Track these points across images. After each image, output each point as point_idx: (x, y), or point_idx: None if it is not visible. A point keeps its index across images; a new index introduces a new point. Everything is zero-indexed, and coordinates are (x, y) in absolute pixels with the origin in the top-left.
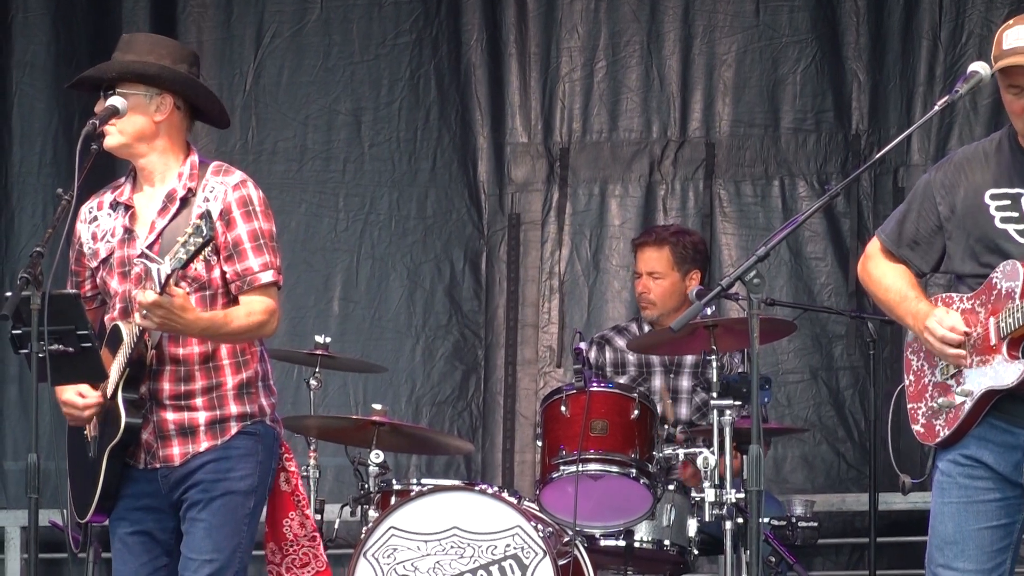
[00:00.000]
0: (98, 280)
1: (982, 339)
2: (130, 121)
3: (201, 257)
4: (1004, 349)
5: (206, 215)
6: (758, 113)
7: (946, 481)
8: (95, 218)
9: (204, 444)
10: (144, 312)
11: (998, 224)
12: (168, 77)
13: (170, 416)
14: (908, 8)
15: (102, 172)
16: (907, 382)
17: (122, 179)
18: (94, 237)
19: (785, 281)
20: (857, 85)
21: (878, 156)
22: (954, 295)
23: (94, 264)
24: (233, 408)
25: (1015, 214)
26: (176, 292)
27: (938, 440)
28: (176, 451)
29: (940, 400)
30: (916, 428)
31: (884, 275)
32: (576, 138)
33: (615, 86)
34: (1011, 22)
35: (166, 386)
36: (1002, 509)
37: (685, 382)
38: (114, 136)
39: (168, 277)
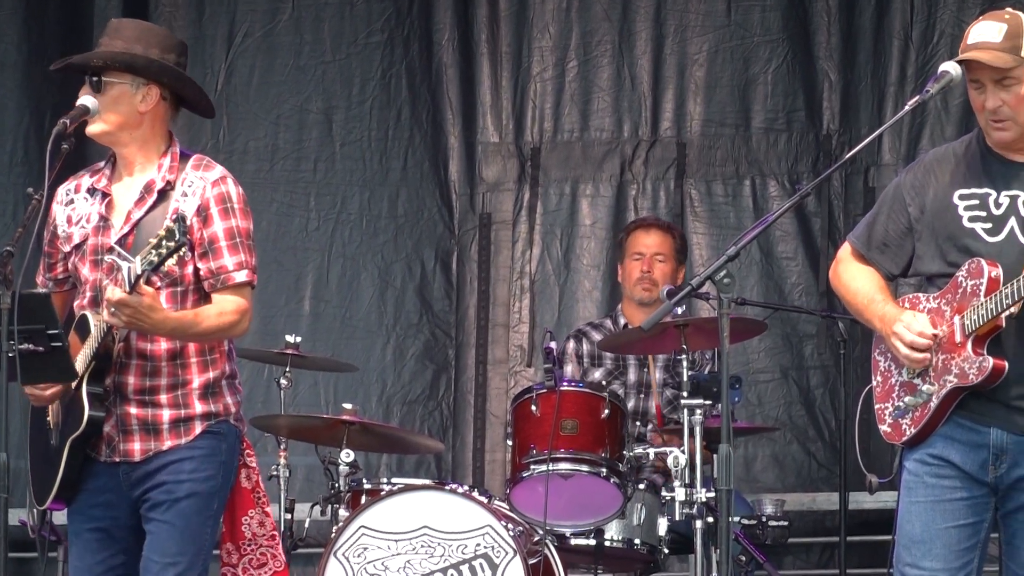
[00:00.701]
0: (70, 265)
1: (948, 337)
2: (115, 110)
3: (159, 271)
4: (969, 346)
5: (180, 219)
6: (729, 113)
7: (913, 480)
8: (71, 201)
9: (168, 443)
10: (112, 310)
11: (966, 223)
12: (155, 69)
13: (133, 411)
14: (880, 8)
15: (74, 169)
16: (875, 382)
17: (101, 163)
18: (68, 220)
19: (756, 281)
20: (828, 85)
21: (849, 156)
22: (921, 295)
23: (67, 248)
24: (198, 407)
25: (983, 213)
26: (146, 291)
27: (905, 439)
28: (137, 447)
29: (907, 399)
30: (883, 428)
31: (853, 278)
32: (547, 138)
33: (586, 86)
34: (980, 17)
35: (131, 380)
36: (969, 508)
37: (658, 375)
38: (97, 124)
39: (139, 278)
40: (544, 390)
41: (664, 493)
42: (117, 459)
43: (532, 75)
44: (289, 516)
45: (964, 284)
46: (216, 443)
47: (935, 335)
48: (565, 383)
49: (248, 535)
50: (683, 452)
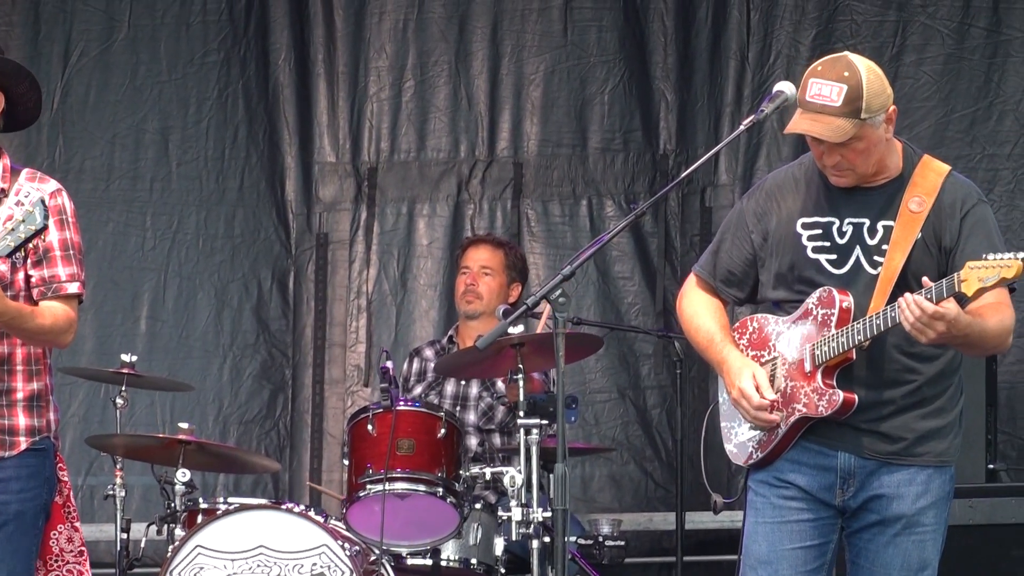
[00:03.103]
0: None
1: (797, 365)
2: None
3: (9, 259)
4: (819, 377)
5: (39, 202)
6: (566, 133)
7: (759, 501)
8: None
9: None
10: None
11: (810, 254)
12: (20, 74)
13: None
14: (716, 28)
15: None
16: (721, 399)
17: None
18: None
19: (593, 300)
20: (665, 105)
21: (684, 175)
22: (770, 317)
23: None
24: (22, 420)
25: (827, 243)
26: None
27: (751, 462)
28: None
29: (751, 424)
30: (729, 448)
31: (695, 314)
32: (384, 157)
33: (423, 105)
34: (819, 67)
35: None
36: (816, 529)
37: (473, 389)
38: None
39: None
40: (380, 410)
41: (501, 513)
42: None
43: (369, 95)
44: (125, 536)
45: (815, 312)
46: (40, 460)
47: (772, 401)
48: (401, 402)
49: (56, 550)
50: (519, 471)
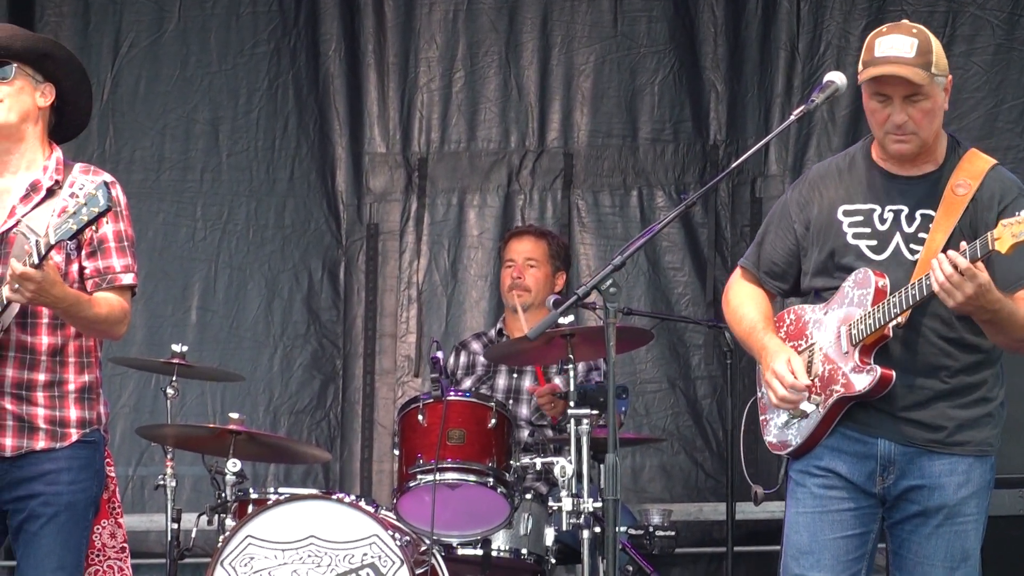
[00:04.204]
0: None
1: (834, 347)
2: (19, 99)
3: (64, 249)
4: (856, 356)
5: (103, 185)
6: (616, 123)
7: (800, 491)
8: None
9: (41, 444)
10: (16, 286)
11: (850, 240)
12: (69, 64)
13: (9, 405)
14: (766, 19)
15: None
16: (759, 394)
17: None
18: None
19: (643, 291)
20: (715, 95)
21: (735, 165)
22: (807, 307)
23: None
24: (73, 412)
25: (867, 230)
26: (51, 266)
27: (790, 450)
28: (9, 442)
29: (791, 411)
30: (768, 439)
31: (740, 304)
32: (434, 148)
33: (473, 96)
34: (884, 29)
35: (9, 373)
36: (856, 519)
37: (526, 382)
38: (4, 113)
39: (50, 248)
40: (431, 400)
41: (551, 503)
42: None
43: (419, 85)
44: (176, 526)
45: (851, 294)
46: (91, 453)
47: (808, 385)
48: (452, 393)
49: (98, 545)
50: (570, 462)
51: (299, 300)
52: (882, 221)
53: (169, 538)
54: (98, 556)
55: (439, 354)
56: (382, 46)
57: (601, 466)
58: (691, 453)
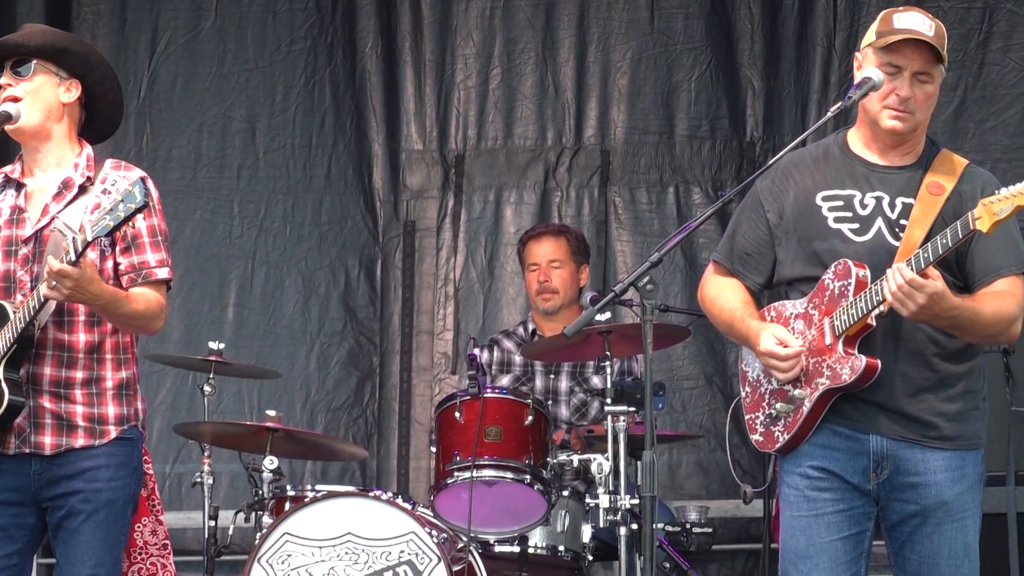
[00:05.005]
0: None
1: (817, 340)
2: (41, 97)
3: (98, 246)
4: (840, 347)
5: (139, 181)
6: (653, 120)
7: (793, 495)
8: None
9: (80, 441)
10: (53, 283)
11: (831, 224)
12: (90, 59)
13: (47, 404)
14: (803, 15)
15: None
16: (743, 393)
17: (8, 166)
18: None
19: (680, 288)
20: (752, 92)
21: (772, 162)
22: (787, 303)
23: None
24: (111, 408)
25: (848, 214)
26: (88, 263)
27: (778, 447)
28: (48, 440)
29: (778, 406)
30: (755, 437)
31: (718, 295)
32: (471, 145)
33: (510, 93)
34: (899, 8)
35: (47, 371)
36: (850, 519)
37: (563, 383)
38: (23, 118)
39: (87, 245)
40: (468, 397)
41: (588, 500)
42: (27, 450)
43: (456, 83)
44: (213, 523)
45: (831, 286)
46: (129, 450)
47: (799, 350)
48: (489, 390)
49: (140, 543)
50: (607, 459)
51: (336, 297)
52: (863, 206)
53: (206, 535)
54: (140, 553)
55: (476, 351)
56: (419, 43)
57: (638, 463)
58: (728, 449)
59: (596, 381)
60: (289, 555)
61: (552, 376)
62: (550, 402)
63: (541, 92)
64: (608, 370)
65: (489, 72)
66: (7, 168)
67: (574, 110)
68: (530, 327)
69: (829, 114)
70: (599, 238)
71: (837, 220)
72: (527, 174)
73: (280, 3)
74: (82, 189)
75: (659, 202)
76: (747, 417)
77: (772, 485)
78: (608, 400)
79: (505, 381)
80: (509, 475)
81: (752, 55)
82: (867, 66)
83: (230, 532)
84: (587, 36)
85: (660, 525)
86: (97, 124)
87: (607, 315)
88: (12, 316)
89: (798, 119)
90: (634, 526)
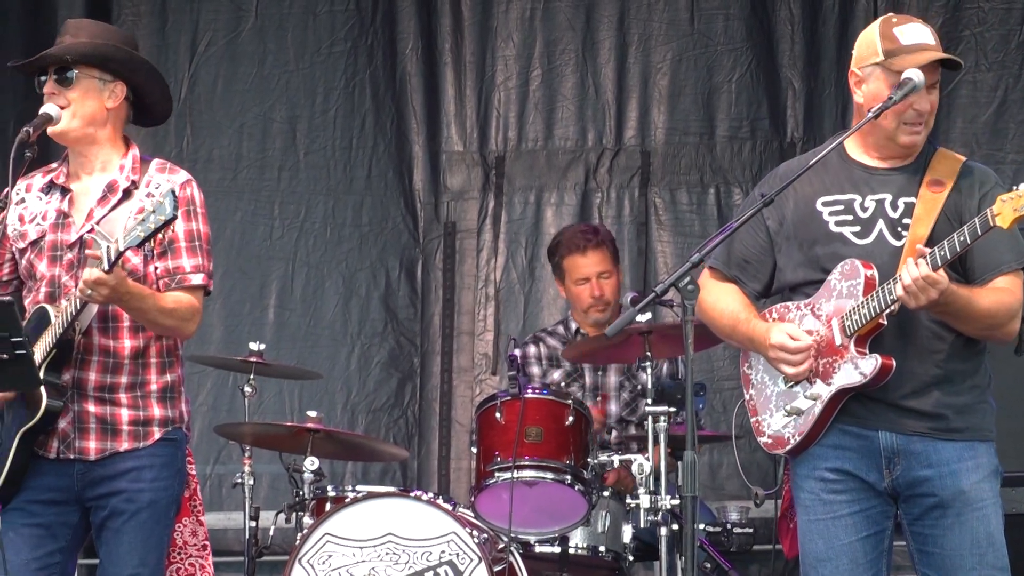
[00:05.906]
0: (24, 262)
1: (827, 341)
2: (82, 105)
3: (141, 251)
4: (852, 347)
5: (170, 193)
6: (693, 121)
7: (809, 499)
8: (23, 200)
9: (125, 445)
10: (88, 291)
11: (833, 228)
12: (133, 63)
13: (92, 408)
14: (843, 16)
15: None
16: (747, 396)
17: (55, 164)
18: (21, 219)
19: None
20: (792, 93)
21: (813, 163)
22: (790, 304)
23: (21, 245)
24: (156, 411)
25: (849, 217)
26: (120, 272)
27: (788, 448)
28: (93, 445)
29: (788, 408)
30: (762, 440)
31: (717, 300)
32: (511, 146)
33: (550, 94)
34: (894, 19)
35: (92, 377)
36: (868, 519)
37: (612, 379)
38: (65, 122)
39: (120, 255)
40: (508, 397)
41: (629, 500)
42: (71, 456)
43: (496, 84)
44: (254, 524)
45: (838, 286)
46: (173, 451)
47: (811, 343)
48: (529, 390)
49: (180, 543)
50: (647, 459)
51: (376, 298)
52: (863, 209)
53: (247, 536)
54: (179, 554)
55: (517, 352)
56: (459, 44)
57: (679, 463)
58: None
59: (644, 377)
60: (330, 555)
61: (600, 372)
62: (598, 398)
63: (581, 93)
64: (649, 370)
65: (529, 73)
66: (52, 171)
67: (614, 111)
68: (572, 325)
69: (870, 115)
70: (640, 239)
71: (838, 224)
72: (567, 175)
73: (320, 5)
74: (126, 193)
75: (700, 203)
76: (753, 420)
77: (780, 487)
78: (648, 401)
79: (557, 375)
80: (550, 475)
81: (792, 55)
82: (873, 83)
83: (271, 533)
84: (627, 37)
85: (701, 525)
86: (149, 115)
87: (648, 316)
88: (53, 320)
89: (839, 120)
90: (675, 526)
